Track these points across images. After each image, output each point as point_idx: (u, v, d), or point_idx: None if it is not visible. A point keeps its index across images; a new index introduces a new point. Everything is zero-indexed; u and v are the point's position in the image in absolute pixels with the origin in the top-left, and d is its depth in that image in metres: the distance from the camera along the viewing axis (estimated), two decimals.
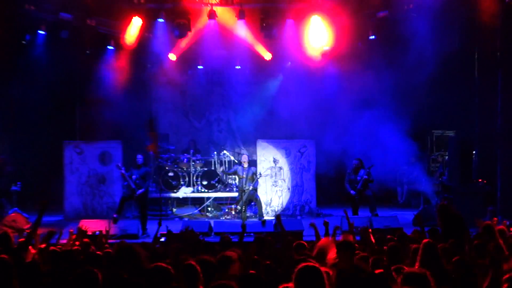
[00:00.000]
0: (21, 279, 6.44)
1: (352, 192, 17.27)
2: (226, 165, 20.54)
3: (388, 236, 10.57)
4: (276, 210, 19.05)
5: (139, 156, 16.68)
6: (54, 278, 6.88)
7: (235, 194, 18.76)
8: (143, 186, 16.35)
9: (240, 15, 19.80)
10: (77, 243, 10.42)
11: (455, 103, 19.79)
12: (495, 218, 13.26)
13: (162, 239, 12.01)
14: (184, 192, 19.64)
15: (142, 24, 20.08)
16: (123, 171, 16.53)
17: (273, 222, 15.76)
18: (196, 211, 19.57)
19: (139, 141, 21.10)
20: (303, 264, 5.85)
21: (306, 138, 19.94)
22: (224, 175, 19.61)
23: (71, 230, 11.57)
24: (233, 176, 19.35)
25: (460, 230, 10.61)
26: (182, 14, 19.86)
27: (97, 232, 13.16)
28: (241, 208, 17.44)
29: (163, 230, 12.22)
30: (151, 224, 16.11)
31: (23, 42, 19.79)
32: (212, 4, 19.81)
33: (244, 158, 18.14)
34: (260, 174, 18.09)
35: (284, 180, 19.27)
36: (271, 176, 19.22)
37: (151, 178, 17.97)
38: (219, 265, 7.01)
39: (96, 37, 20.55)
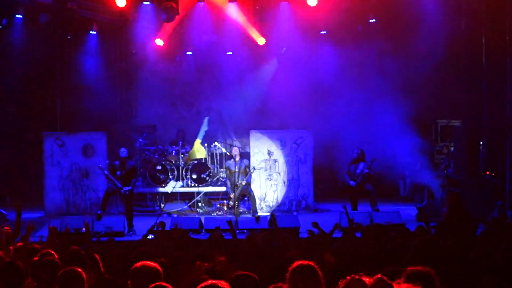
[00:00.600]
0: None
1: (351, 182, 17.33)
2: (217, 158, 20.50)
3: (394, 233, 10.52)
4: (271, 205, 19.03)
5: (123, 150, 16.59)
6: (36, 278, 6.86)
7: None
8: (130, 184, 16.30)
9: None
10: (56, 241, 10.39)
11: (461, 90, 19.78)
12: None
13: (150, 237, 11.98)
14: (173, 186, 19.57)
15: (126, 6, 19.99)
16: (106, 173, 16.46)
17: (268, 218, 15.78)
18: (185, 206, 19.44)
19: (124, 132, 21.10)
20: (298, 262, 5.90)
21: (302, 129, 19.87)
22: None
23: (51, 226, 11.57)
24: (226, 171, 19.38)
25: (466, 226, 10.65)
26: None
27: (83, 229, 13.18)
28: (234, 203, 17.41)
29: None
30: (137, 221, 16.11)
31: (0, 27, 19.73)
32: None
33: (235, 151, 17.91)
34: (254, 168, 18.02)
35: (279, 174, 19.23)
36: (266, 169, 19.14)
37: (138, 173, 17.94)
38: None
39: (78, 21, 20.42)
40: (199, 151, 19.69)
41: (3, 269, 6.52)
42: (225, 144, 21.39)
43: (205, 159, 20.19)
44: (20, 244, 9.27)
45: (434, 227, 10.46)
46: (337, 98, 20.66)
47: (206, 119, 20.28)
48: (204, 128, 20.01)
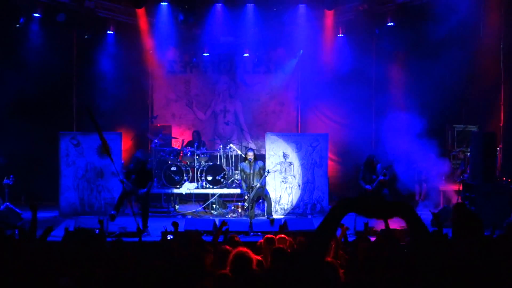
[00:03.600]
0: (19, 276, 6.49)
1: (367, 186, 17.39)
2: (233, 159, 20.54)
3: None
4: (286, 208, 19.08)
5: (138, 152, 16.64)
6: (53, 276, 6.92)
7: None
8: (146, 186, 16.35)
9: None
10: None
11: (478, 96, 19.74)
12: None
13: (170, 237, 12.03)
14: (188, 188, 19.60)
15: (144, 7, 20.10)
16: (121, 178, 16.40)
17: (282, 221, 15.80)
18: (200, 208, 19.53)
19: (140, 132, 21.19)
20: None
21: (318, 132, 19.90)
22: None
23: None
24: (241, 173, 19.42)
25: (475, 232, 10.61)
26: None
27: (97, 230, 13.25)
28: (248, 205, 17.43)
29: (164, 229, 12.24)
30: (151, 222, 16.16)
31: (17, 25, 19.83)
32: None
33: (250, 155, 18.06)
34: (268, 171, 18.07)
35: (295, 177, 19.25)
36: (281, 172, 19.19)
37: (153, 175, 18.01)
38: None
39: (95, 21, 20.58)
40: None
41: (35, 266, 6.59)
42: (240, 146, 21.41)
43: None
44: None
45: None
46: (354, 102, 20.67)
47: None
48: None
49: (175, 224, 11.48)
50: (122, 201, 16.46)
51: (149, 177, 16.50)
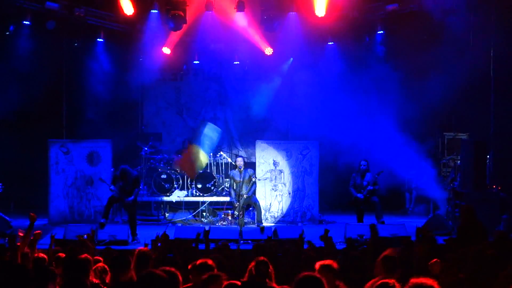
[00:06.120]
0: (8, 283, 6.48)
1: (359, 195, 17.37)
2: (223, 167, 20.54)
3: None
4: (276, 216, 19.08)
5: (123, 167, 16.69)
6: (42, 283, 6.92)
7: None
8: (132, 194, 16.42)
9: (239, 7, 19.72)
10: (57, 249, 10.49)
11: (468, 103, 19.79)
12: None
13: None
14: (178, 195, 19.58)
15: (134, 14, 20.08)
16: (111, 187, 16.50)
17: (272, 229, 15.81)
18: (190, 216, 19.53)
19: (130, 139, 21.15)
20: (304, 273, 5.88)
21: (308, 139, 19.92)
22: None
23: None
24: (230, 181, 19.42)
25: (480, 237, 10.69)
26: (177, 4, 19.79)
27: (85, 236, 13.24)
28: (238, 213, 17.44)
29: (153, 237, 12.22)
30: (141, 230, 16.14)
31: (7, 33, 19.80)
32: None
33: (239, 161, 18.12)
34: (255, 176, 18.10)
35: (285, 184, 19.26)
36: (271, 180, 19.20)
37: (141, 183, 17.99)
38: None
39: (85, 28, 20.54)
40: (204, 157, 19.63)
41: (10, 272, 6.57)
42: (230, 154, 21.43)
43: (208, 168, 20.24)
44: (27, 250, 9.40)
45: (445, 240, 10.47)
46: (344, 109, 20.69)
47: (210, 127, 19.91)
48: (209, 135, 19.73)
49: (165, 235, 11.53)
50: (109, 208, 16.50)
51: (136, 184, 16.51)
